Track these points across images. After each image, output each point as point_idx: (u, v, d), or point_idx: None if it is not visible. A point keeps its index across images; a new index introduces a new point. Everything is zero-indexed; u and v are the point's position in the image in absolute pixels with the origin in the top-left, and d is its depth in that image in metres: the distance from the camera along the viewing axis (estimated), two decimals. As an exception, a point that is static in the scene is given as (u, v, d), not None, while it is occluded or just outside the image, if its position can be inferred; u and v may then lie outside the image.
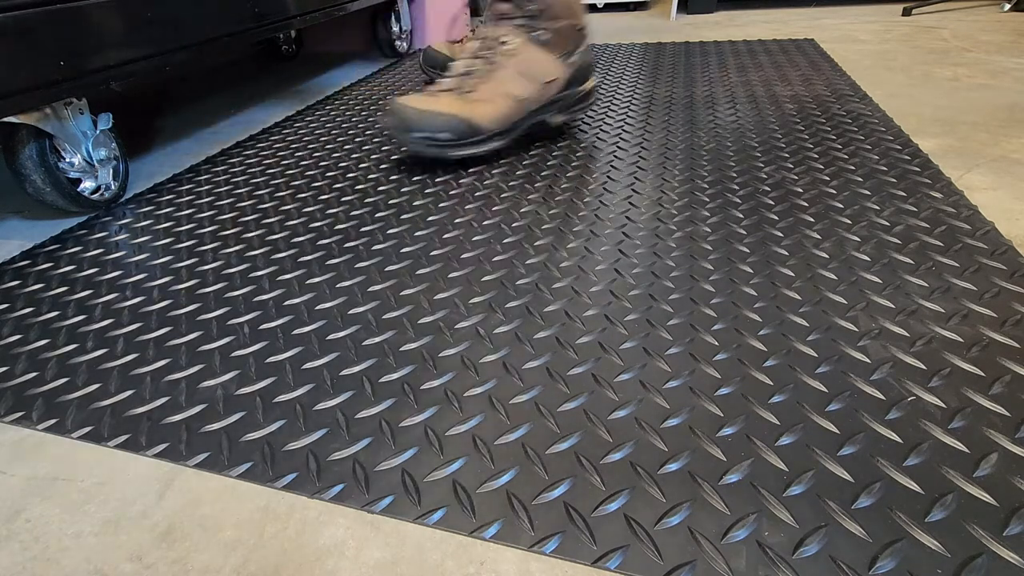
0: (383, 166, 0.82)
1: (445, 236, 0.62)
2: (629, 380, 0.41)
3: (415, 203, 0.70)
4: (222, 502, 0.35)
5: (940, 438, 0.35)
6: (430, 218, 0.66)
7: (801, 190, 0.67)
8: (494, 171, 0.77)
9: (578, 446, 0.36)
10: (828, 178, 0.69)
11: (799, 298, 0.49)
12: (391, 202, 0.71)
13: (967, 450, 0.34)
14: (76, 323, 0.51)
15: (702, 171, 0.73)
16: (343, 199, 0.72)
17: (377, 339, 0.47)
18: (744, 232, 0.59)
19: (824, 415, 0.37)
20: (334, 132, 0.97)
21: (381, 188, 0.74)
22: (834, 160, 0.74)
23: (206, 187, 0.79)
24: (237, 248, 0.62)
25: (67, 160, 0.69)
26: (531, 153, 0.83)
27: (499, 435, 0.37)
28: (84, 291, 0.56)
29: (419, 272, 0.56)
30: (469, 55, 0.79)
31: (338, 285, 0.55)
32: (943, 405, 0.38)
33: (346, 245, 0.61)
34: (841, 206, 0.63)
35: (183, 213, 0.71)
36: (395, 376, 0.43)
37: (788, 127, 0.86)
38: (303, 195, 0.74)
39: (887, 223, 0.59)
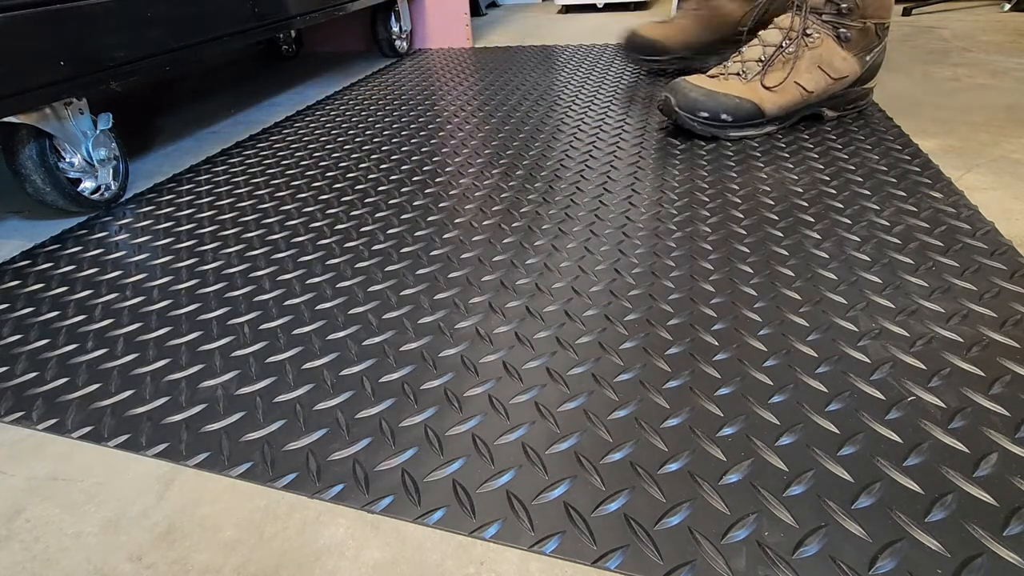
0: (383, 166, 0.82)
1: (445, 236, 0.62)
2: (629, 380, 0.41)
3: (415, 203, 0.70)
4: (222, 502, 0.35)
5: (940, 438, 0.35)
6: (430, 218, 0.66)
7: (801, 190, 0.67)
8: (493, 171, 0.77)
9: (578, 446, 0.36)
10: (828, 178, 0.69)
11: (799, 298, 0.49)
12: (391, 202, 0.71)
13: (967, 450, 0.34)
14: (76, 323, 0.51)
15: (702, 171, 0.73)
16: (343, 199, 0.72)
17: (377, 339, 0.47)
18: (744, 232, 0.59)
19: (824, 415, 0.37)
20: (334, 132, 0.97)
21: (381, 188, 0.74)
22: (834, 160, 0.74)
23: (206, 187, 0.79)
24: (237, 248, 0.62)
25: (67, 160, 0.69)
26: (531, 153, 0.83)
27: (499, 435, 0.37)
28: (84, 291, 0.56)
29: (419, 272, 0.56)
30: (764, 43, 0.81)
31: (338, 285, 0.55)
32: (943, 405, 0.38)
33: (346, 245, 0.61)
34: (841, 206, 0.63)
35: (183, 213, 0.71)
36: (395, 376, 0.43)
37: (788, 127, 0.86)
38: (303, 195, 0.74)
39: (887, 223, 0.59)
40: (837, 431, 0.36)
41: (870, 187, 0.66)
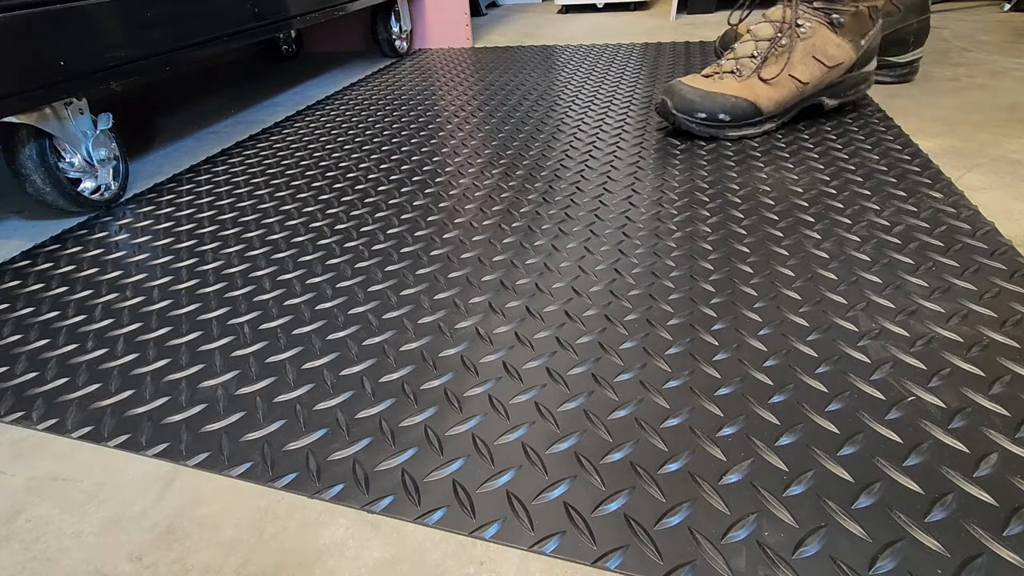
0: (383, 166, 0.82)
1: (445, 236, 0.62)
2: (629, 380, 0.41)
3: (415, 203, 0.70)
4: (222, 502, 0.35)
5: (940, 438, 0.35)
6: (430, 218, 0.66)
7: (801, 190, 0.67)
8: (493, 171, 0.77)
9: (578, 446, 0.36)
10: (828, 178, 0.69)
11: (799, 298, 0.49)
12: (391, 202, 0.71)
13: (967, 450, 0.34)
14: (76, 323, 0.51)
15: (702, 171, 0.73)
16: (343, 199, 0.72)
17: (377, 339, 0.47)
18: (744, 232, 0.59)
19: (824, 415, 0.37)
20: (334, 132, 0.97)
21: (381, 188, 0.74)
22: (834, 160, 0.74)
23: (206, 187, 0.79)
24: (237, 248, 0.62)
25: (67, 160, 0.69)
26: (530, 153, 0.83)
27: (499, 435, 0.37)
28: (84, 291, 0.56)
29: (419, 272, 0.56)
30: (756, 37, 0.79)
31: (338, 285, 0.55)
32: (943, 405, 0.38)
33: (346, 245, 0.61)
34: (841, 206, 0.63)
35: (183, 213, 0.71)
36: (395, 376, 0.43)
37: (788, 127, 0.86)
38: (303, 195, 0.74)
39: (887, 223, 0.59)
40: (837, 431, 0.36)
41: (870, 187, 0.66)
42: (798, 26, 0.76)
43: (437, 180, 0.76)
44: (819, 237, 0.57)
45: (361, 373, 0.44)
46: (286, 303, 0.52)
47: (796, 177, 0.70)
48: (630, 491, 0.33)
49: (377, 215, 0.67)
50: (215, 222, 0.69)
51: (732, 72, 0.80)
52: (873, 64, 0.85)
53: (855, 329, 0.45)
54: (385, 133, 0.95)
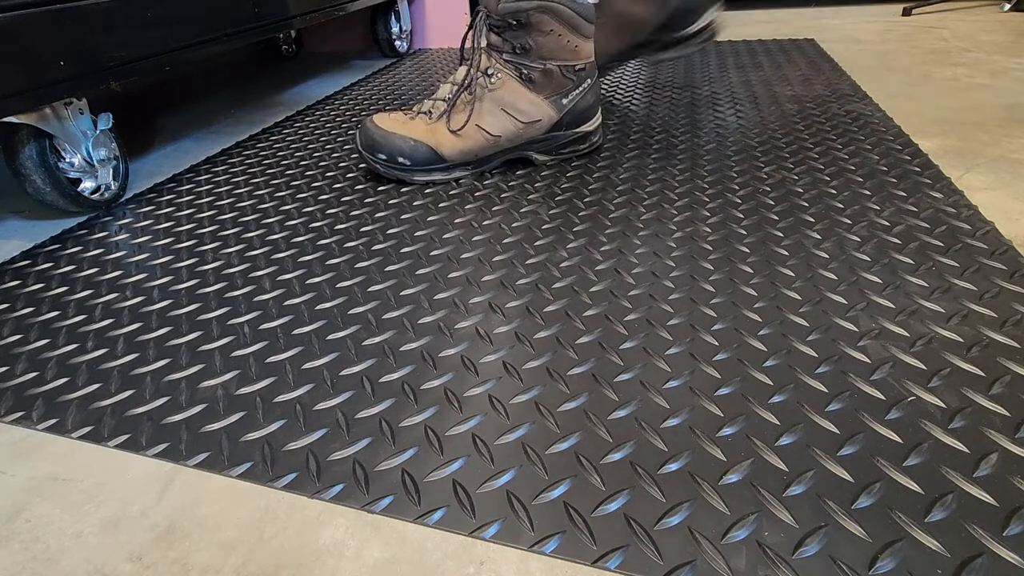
0: (383, 166, 0.81)
1: (445, 236, 0.62)
2: (629, 380, 0.41)
3: (415, 203, 0.70)
4: (222, 502, 0.35)
5: (940, 438, 0.35)
6: (430, 218, 0.66)
7: (801, 190, 0.67)
8: (494, 172, 0.77)
9: (578, 446, 0.36)
10: (828, 178, 0.69)
11: (799, 298, 0.49)
12: (391, 202, 0.71)
13: (967, 450, 0.34)
14: (76, 323, 0.51)
15: (702, 171, 0.73)
16: (343, 199, 0.72)
17: (377, 339, 0.47)
18: (744, 232, 0.59)
19: (824, 415, 0.37)
20: (334, 132, 0.97)
21: (381, 188, 0.74)
22: (835, 160, 0.74)
23: (206, 187, 0.79)
24: (237, 248, 0.62)
25: (67, 160, 0.69)
26: (531, 153, 0.82)
27: (499, 435, 0.37)
28: (84, 291, 0.56)
29: (419, 272, 0.56)
30: (453, 82, 0.74)
31: (338, 285, 0.55)
32: (943, 405, 0.38)
33: (346, 245, 0.61)
34: (841, 206, 0.63)
35: (183, 213, 0.71)
36: (395, 376, 0.43)
37: (789, 127, 0.86)
38: (303, 195, 0.74)
39: (887, 223, 0.59)
40: (837, 431, 0.36)
41: (870, 187, 0.66)
42: (488, 75, 0.71)
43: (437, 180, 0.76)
44: (819, 237, 0.57)
45: (361, 373, 0.44)
46: (286, 303, 0.52)
47: (797, 177, 0.70)
48: (630, 491, 0.33)
49: (377, 215, 0.67)
50: (215, 222, 0.69)
51: (427, 113, 0.74)
52: (593, 124, 0.78)
53: (855, 329, 0.45)
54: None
